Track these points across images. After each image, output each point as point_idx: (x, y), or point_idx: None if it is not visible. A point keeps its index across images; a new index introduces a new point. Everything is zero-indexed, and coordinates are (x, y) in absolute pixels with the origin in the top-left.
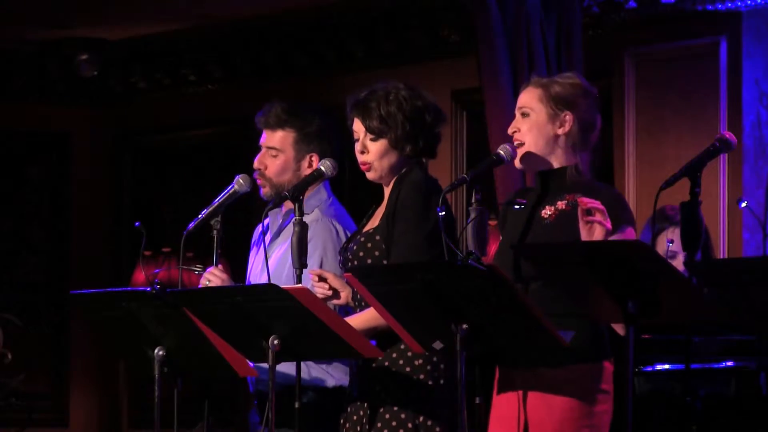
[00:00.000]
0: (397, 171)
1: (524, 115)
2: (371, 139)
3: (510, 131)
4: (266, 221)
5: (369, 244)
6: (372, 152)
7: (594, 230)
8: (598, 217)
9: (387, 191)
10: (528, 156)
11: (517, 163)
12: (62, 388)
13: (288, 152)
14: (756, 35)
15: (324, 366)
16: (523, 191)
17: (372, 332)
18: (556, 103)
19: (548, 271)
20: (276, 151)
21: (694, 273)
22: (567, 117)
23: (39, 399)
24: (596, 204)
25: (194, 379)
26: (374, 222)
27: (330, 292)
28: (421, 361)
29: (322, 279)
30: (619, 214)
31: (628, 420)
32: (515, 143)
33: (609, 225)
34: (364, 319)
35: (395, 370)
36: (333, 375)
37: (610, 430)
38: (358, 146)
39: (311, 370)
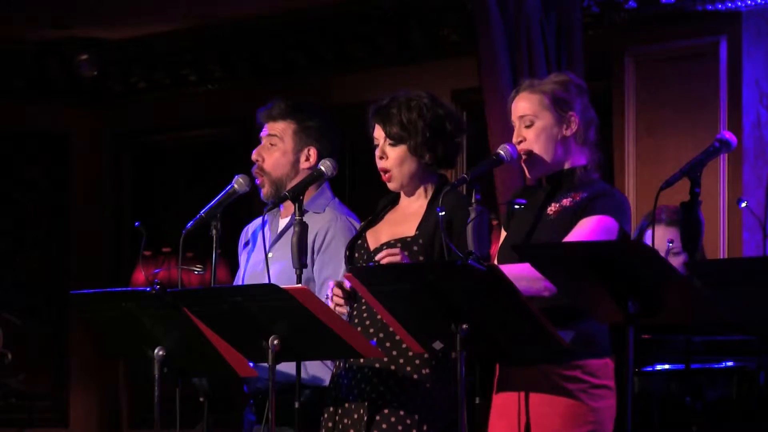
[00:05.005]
0: (418, 179)
1: (527, 124)
2: (390, 145)
3: (515, 141)
4: (263, 221)
5: (409, 251)
6: (391, 158)
7: None
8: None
9: (409, 201)
10: (539, 164)
11: (529, 172)
12: (62, 388)
13: (287, 142)
14: (756, 35)
15: (322, 364)
16: (524, 189)
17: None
18: (561, 106)
19: (549, 270)
20: (275, 140)
21: (694, 273)
22: (572, 117)
23: (39, 399)
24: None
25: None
26: (404, 228)
27: (342, 301)
28: (418, 361)
29: (338, 286)
30: (599, 204)
31: (628, 420)
32: (521, 152)
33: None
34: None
35: (395, 369)
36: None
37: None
38: (377, 152)
39: (309, 369)
